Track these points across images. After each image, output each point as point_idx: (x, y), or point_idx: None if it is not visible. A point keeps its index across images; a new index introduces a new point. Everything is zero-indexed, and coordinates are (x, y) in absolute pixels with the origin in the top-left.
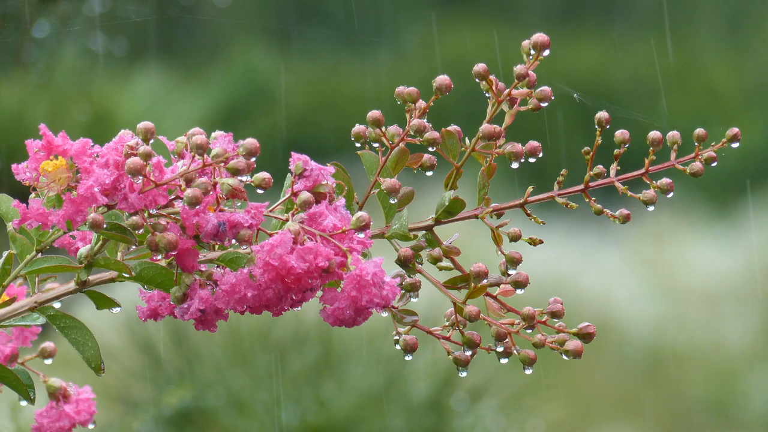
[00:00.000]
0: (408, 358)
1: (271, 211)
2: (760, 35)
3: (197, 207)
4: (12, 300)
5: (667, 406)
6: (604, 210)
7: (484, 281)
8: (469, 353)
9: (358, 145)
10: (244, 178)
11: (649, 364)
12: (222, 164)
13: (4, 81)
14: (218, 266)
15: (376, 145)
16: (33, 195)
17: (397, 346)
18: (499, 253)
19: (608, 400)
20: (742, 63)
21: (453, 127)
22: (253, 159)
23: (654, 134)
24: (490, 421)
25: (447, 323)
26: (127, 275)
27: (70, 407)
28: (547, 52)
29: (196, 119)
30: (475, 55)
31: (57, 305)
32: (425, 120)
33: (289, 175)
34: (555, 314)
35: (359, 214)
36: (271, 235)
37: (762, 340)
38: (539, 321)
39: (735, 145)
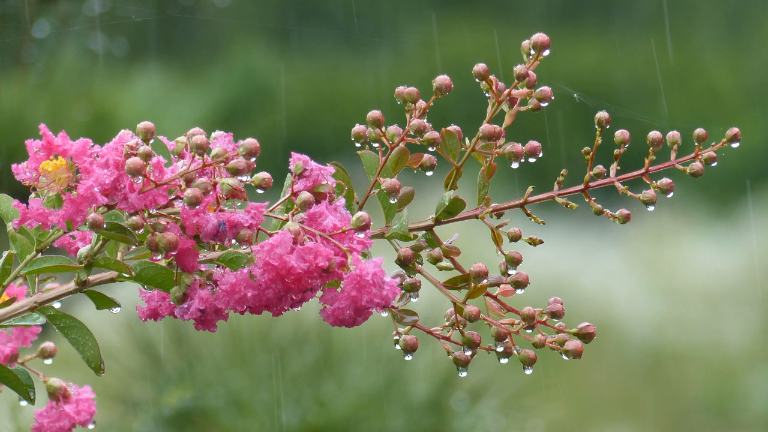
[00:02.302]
0: (408, 358)
1: (271, 211)
2: (760, 35)
3: (197, 207)
4: (12, 300)
5: (667, 406)
6: (604, 210)
7: (484, 281)
8: (469, 353)
9: (358, 145)
10: (244, 178)
11: (649, 364)
12: (222, 164)
13: (4, 81)
14: (218, 266)
15: (376, 145)
16: (33, 195)
17: (397, 346)
18: (499, 253)
19: (608, 400)
20: (742, 63)
21: (453, 127)
22: (253, 159)
23: (654, 134)
24: (490, 421)
25: (447, 323)
26: (127, 275)
27: (70, 407)
28: (547, 52)
29: (196, 119)
30: (475, 55)
31: (57, 305)
32: (425, 120)
33: (289, 175)
34: (555, 314)
35: (359, 214)
36: (271, 235)
37: (762, 340)
38: (539, 321)
39: (735, 145)
